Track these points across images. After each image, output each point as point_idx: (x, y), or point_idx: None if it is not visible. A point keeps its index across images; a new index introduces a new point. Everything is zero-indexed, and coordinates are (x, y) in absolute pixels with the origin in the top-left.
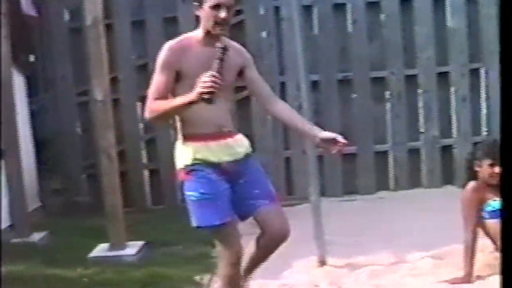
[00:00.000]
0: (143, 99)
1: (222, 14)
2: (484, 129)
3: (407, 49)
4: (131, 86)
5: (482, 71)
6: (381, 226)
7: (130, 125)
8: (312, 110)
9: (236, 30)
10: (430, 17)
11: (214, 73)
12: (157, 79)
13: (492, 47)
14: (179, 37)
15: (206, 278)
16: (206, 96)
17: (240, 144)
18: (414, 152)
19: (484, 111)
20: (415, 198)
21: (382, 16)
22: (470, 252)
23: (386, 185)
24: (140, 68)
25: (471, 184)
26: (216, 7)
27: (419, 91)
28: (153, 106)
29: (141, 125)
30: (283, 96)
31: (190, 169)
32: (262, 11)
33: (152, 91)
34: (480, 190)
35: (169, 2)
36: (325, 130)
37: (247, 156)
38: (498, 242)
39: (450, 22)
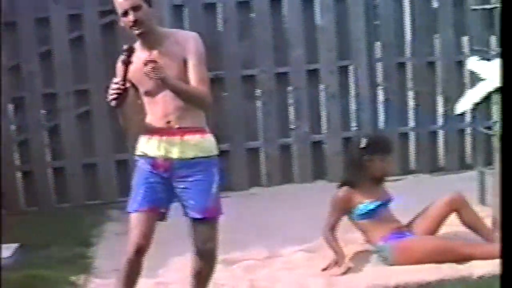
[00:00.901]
0: (15, 101)
1: (130, 17)
2: (353, 124)
3: (277, 48)
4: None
5: (351, 68)
6: (255, 222)
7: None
8: None
9: (108, 30)
10: (299, 16)
11: (116, 79)
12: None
13: (360, 45)
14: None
15: (82, 278)
16: (111, 103)
17: (189, 145)
18: (285, 148)
19: (353, 107)
20: (288, 194)
21: (253, 15)
22: (330, 242)
23: (258, 181)
24: (11, 70)
25: (344, 189)
26: (124, 13)
27: (290, 88)
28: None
29: (13, 127)
30: None
31: (137, 160)
32: None
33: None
34: (348, 197)
35: (41, 2)
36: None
37: (198, 159)
38: (370, 236)
39: (319, 20)
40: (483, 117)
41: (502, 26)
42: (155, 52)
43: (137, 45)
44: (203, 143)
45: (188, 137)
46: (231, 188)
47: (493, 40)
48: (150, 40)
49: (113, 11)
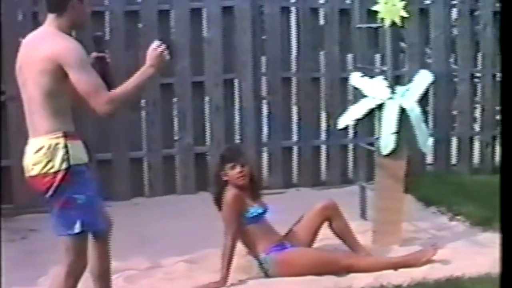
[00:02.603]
0: None
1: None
2: (237, 137)
3: None
4: None
5: (236, 82)
6: (136, 232)
7: None
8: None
9: None
10: (187, 28)
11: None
12: (89, 74)
13: (245, 59)
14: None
15: None
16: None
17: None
18: (168, 159)
19: (237, 120)
20: (170, 204)
21: (140, 25)
22: (228, 257)
23: (141, 191)
24: None
25: (232, 190)
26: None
27: (174, 99)
28: (112, 96)
29: None
30: None
31: (76, 170)
32: (20, 17)
33: (94, 87)
34: (241, 196)
35: None
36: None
37: None
38: (254, 246)
39: (206, 33)
40: (365, 133)
41: (502, 26)
42: None
43: None
44: None
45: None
46: (113, 198)
47: (377, 58)
48: None
49: None
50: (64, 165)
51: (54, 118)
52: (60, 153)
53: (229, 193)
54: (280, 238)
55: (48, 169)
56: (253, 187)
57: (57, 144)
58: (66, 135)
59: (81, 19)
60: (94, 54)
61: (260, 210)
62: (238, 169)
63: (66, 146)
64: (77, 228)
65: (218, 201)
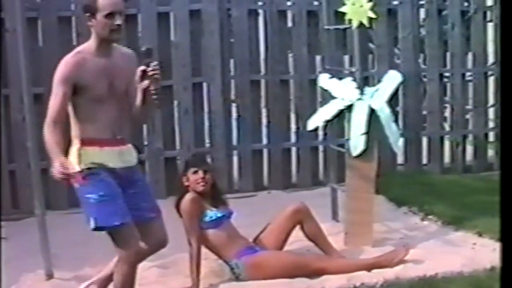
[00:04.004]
0: None
1: (118, 21)
2: (207, 140)
3: None
4: None
5: (204, 85)
6: (107, 237)
7: None
8: (35, 122)
9: None
10: (154, 32)
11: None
12: (55, 96)
13: (214, 62)
14: (74, 51)
15: None
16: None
17: (130, 153)
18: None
19: (206, 123)
20: None
21: None
22: (196, 262)
23: None
24: None
25: (189, 195)
26: (110, 15)
27: None
28: (47, 131)
29: None
30: (7, 109)
31: (88, 173)
32: None
33: (50, 110)
34: (197, 200)
35: None
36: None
37: (136, 165)
38: (220, 251)
39: (173, 37)
40: (335, 134)
41: (503, 26)
42: (110, 59)
43: (90, 49)
44: (134, 151)
45: (128, 146)
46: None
47: (346, 59)
48: (109, 47)
49: None
50: (77, 168)
51: (74, 126)
52: (72, 157)
53: (186, 198)
54: (247, 242)
55: None
56: (213, 194)
57: (73, 149)
58: (83, 141)
59: (103, 32)
60: (141, 67)
61: (220, 214)
62: (200, 174)
63: (79, 151)
64: (92, 224)
65: (179, 207)
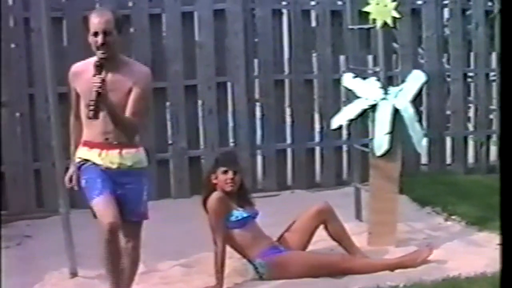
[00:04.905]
0: None
1: (99, 40)
2: (231, 140)
3: (155, 63)
4: None
5: (229, 85)
6: None
7: None
8: (60, 123)
9: None
10: (179, 32)
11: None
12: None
13: (238, 62)
14: (87, 59)
15: None
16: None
17: (125, 157)
18: (163, 163)
19: (230, 123)
20: (164, 208)
21: (132, 30)
22: (220, 261)
23: None
24: None
25: (216, 194)
26: (95, 34)
27: (167, 103)
28: (70, 122)
29: None
30: (32, 108)
31: (80, 165)
32: (12, 23)
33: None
34: (224, 200)
35: None
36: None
37: (133, 169)
38: (245, 251)
39: (198, 36)
40: (359, 134)
41: (503, 26)
42: (109, 74)
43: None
44: (137, 155)
45: (124, 151)
46: None
47: (370, 59)
48: (108, 64)
49: None
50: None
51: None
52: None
53: (212, 197)
54: (271, 242)
55: None
56: (240, 194)
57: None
58: (82, 142)
59: (93, 49)
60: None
61: (245, 215)
62: (229, 175)
63: (77, 149)
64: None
65: (206, 204)
